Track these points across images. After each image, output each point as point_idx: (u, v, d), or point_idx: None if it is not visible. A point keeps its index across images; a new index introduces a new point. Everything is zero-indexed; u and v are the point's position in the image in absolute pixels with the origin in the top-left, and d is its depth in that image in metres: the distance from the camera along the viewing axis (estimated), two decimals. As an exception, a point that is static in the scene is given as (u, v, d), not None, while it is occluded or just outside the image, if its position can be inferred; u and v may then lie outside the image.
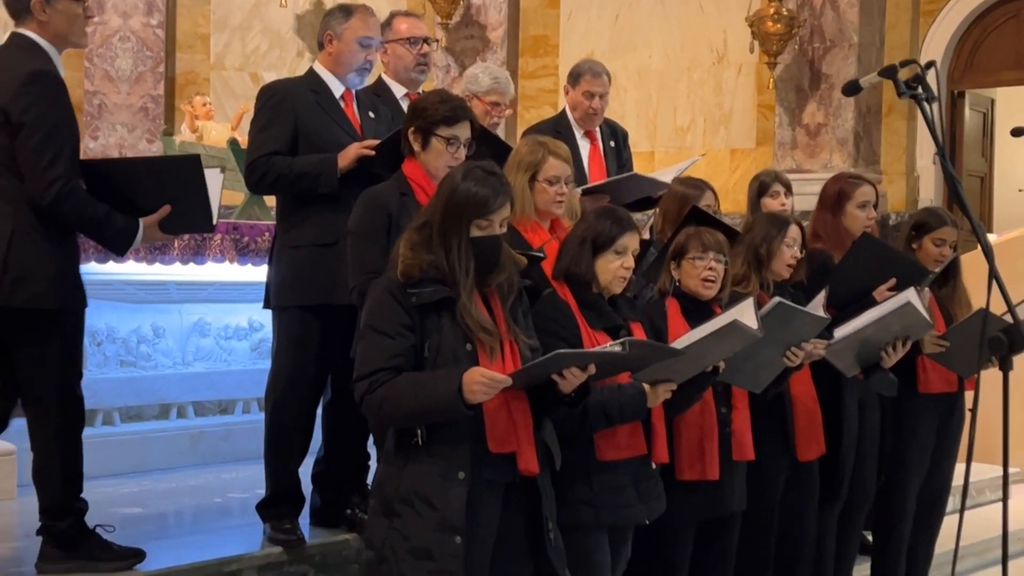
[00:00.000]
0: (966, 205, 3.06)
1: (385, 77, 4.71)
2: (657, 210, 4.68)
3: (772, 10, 9.88)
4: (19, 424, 3.80)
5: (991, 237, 8.20)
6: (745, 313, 3.51)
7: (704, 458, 3.88)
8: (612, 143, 5.38)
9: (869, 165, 10.17)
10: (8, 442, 4.64)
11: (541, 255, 3.74)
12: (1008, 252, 7.64)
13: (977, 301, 5.41)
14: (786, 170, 9.98)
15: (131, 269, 5.14)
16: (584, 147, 5.28)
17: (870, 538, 5.04)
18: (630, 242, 3.55)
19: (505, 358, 3.10)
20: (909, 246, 4.71)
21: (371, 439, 4.25)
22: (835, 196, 4.60)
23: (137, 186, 3.76)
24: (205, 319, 5.66)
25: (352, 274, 3.75)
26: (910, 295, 4.07)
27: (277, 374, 4.30)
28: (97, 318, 5.16)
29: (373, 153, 4.13)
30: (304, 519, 4.31)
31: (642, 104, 11.36)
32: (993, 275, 3.01)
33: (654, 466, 3.62)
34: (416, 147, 3.78)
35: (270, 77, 4.07)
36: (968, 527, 6.28)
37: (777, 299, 3.79)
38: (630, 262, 3.56)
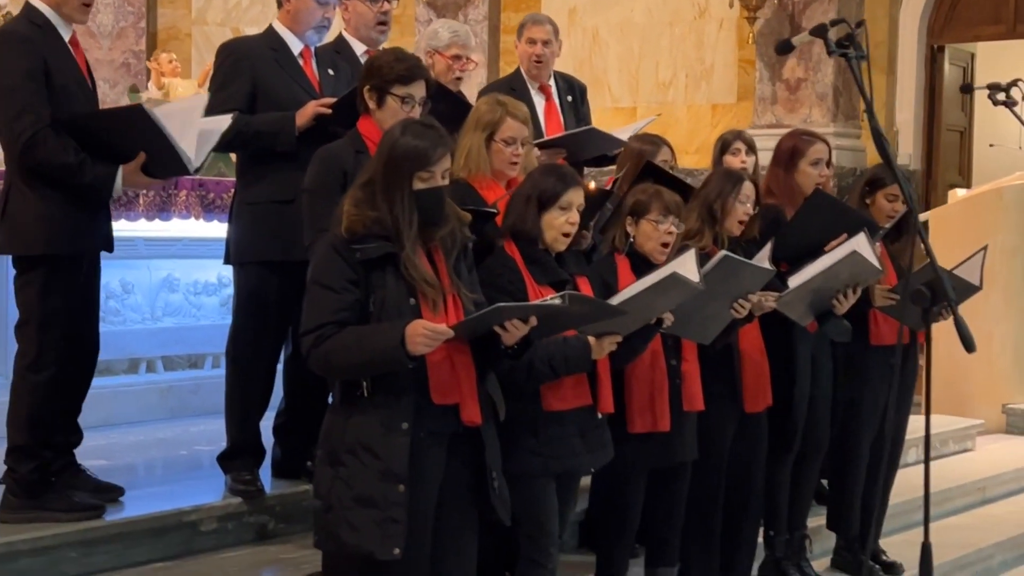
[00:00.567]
0: (892, 162, 3.11)
1: (345, 34, 4.74)
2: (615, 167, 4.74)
3: (752, -36, 9.88)
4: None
5: (961, 192, 8.27)
6: (686, 266, 3.58)
7: (655, 410, 3.97)
8: (569, 97, 5.40)
9: (849, 120, 10.21)
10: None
11: (494, 211, 3.81)
12: (976, 207, 7.72)
13: (943, 257, 5.48)
14: (766, 125, 10.07)
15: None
16: (539, 102, 5.30)
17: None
18: (574, 198, 3.61)
19: (448, 312, 3.17)
20: (863, 201, 4.77)
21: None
22: (789, 153, 4.65)
23: (109, 137, 3.84)
24: (174, 275, 5.73)
25: (307, 231, 3.81)
26: (856, 243, 4.13)
27: (237, 329, 4.38)
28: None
29: (331, 112, 4.18)
30: (266, 471, 4.40)
31: (624, 59, 11.36)
32: (917, 230, 3.08)
33: (599, 416, 3.70)
34: (371, 105, 3.82)
35: (251, 32, 4.12)
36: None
37: (723, 253, 3.85)
38: (575, 217, 3.63)
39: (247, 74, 4.29)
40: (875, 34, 10.40)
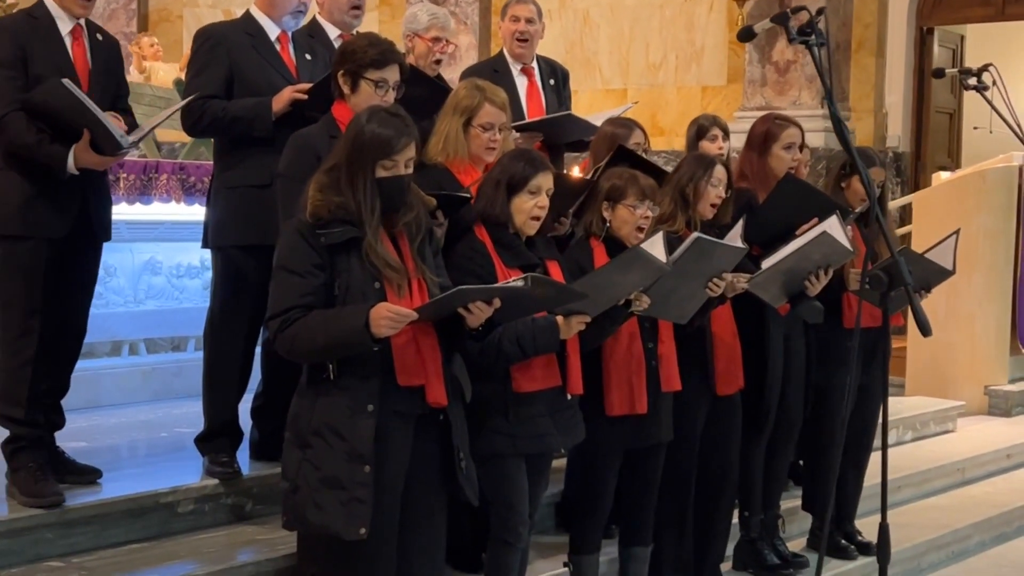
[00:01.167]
0: (851, 149, 3.14)
1: (319, 18, 4.75)
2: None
3: (741, -55, 9.89)
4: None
5: (945, 175, 8.29)
6: (654, 247, 3.62)
7: (632, 393, 4.01)
8: (552, 81, 5.43)
9: (838, 102, 10.19)
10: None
11: (467, 195, 3.84)
12: (959, 189, 7.74)
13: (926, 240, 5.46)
14: (755, 107, 10.08)
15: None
16: (522, 84, 5.33)
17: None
18: (543, 182, 3.65)
19: (413, 295, 3.21)
20: (838, 185, 4.81)
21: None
22: (762, 137, 4.68)
23: (57, 117, 3.88)
24: (156, 258, 5.76)
25: (282, 215, 3.82)
26: (827, 225, 4.17)
27: (215, 311, 4.41)
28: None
29: (307, 97, 4.20)
30: (243, 453, 4.44)
31: (615, 41, 11.38)
32: (877, 219, 3.12)
33: (569, 397, 3.74)
34: (346, 90, 3.84)
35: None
36: (907, 459, 6.50)
37: (695, 234, 3.89)
38: (544, 202, 3.66)
39: (224, 59, 4.31)
40: (864, 16, 10.43)
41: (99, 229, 4.14)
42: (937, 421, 7.10)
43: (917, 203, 8.01)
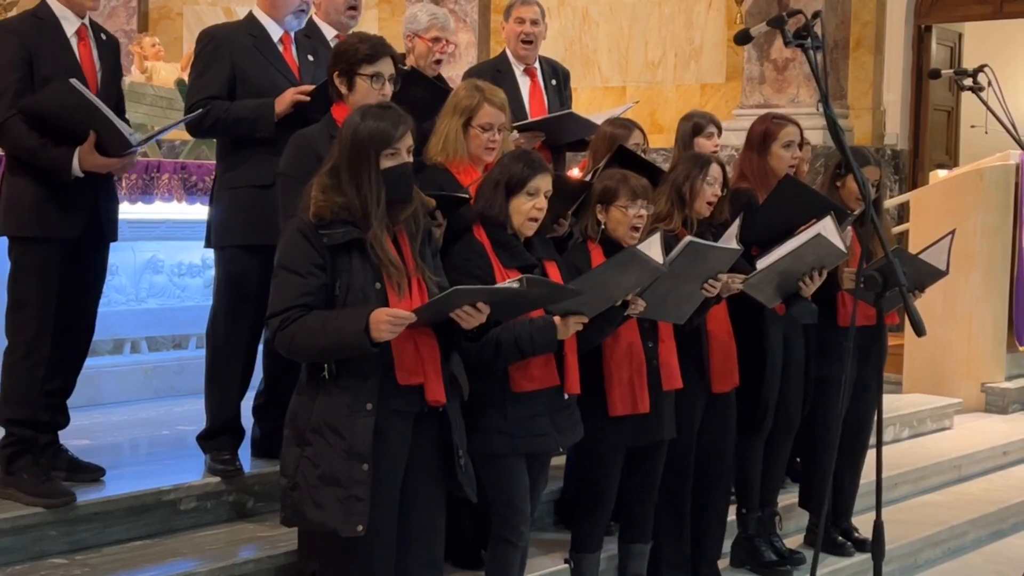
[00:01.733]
0: (846, 151, 3.17)
1: (316, 18, 4.78)
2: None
3: (740, -57, 9.91)
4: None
5: (942, 173, 8.32)
6: (651, 248, 3.65)
7: (635, 393, 4.04)
8: (553, 81, 5.46)
9: (836, 100, 10.23)
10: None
11: (466, 195, 3.87)
12: (957, 188, 7.77)
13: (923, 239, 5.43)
14: (754, 105, 10.10)
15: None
16: (524, 85, 5.36)
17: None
18: (542, 183, 3.68)
19: (413, 295, 3.24)
20: (833, 184, 4.83)
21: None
22: (761, 136, 4.71)
23: (61, 119, 3.89)
24: (158, 256, 5.80)
25: (283, 215, 3.85)
26: (821, 227, 4.20)
27: (218, 310, 4.44)
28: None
29: (309, 99, 4.23)
30: (245, 450, 4.48)
31: (614, 38, 11.41)
32: (872, 219, 3.15)
33: (567, 396, 3.78)
34: (343, 90, 3.87)
35: (243, 12, 4.13)
36: (904, 456, 6.54)
37: (688, 238, 3.91)
38: (542, 203, 3.69)
39: (226, 61, 4.34)
40: (863, 14, 10.46)
41: (108, 229, 4.17)
42: (934, 418, 7.14)
43: (915, 201, 8.04)
